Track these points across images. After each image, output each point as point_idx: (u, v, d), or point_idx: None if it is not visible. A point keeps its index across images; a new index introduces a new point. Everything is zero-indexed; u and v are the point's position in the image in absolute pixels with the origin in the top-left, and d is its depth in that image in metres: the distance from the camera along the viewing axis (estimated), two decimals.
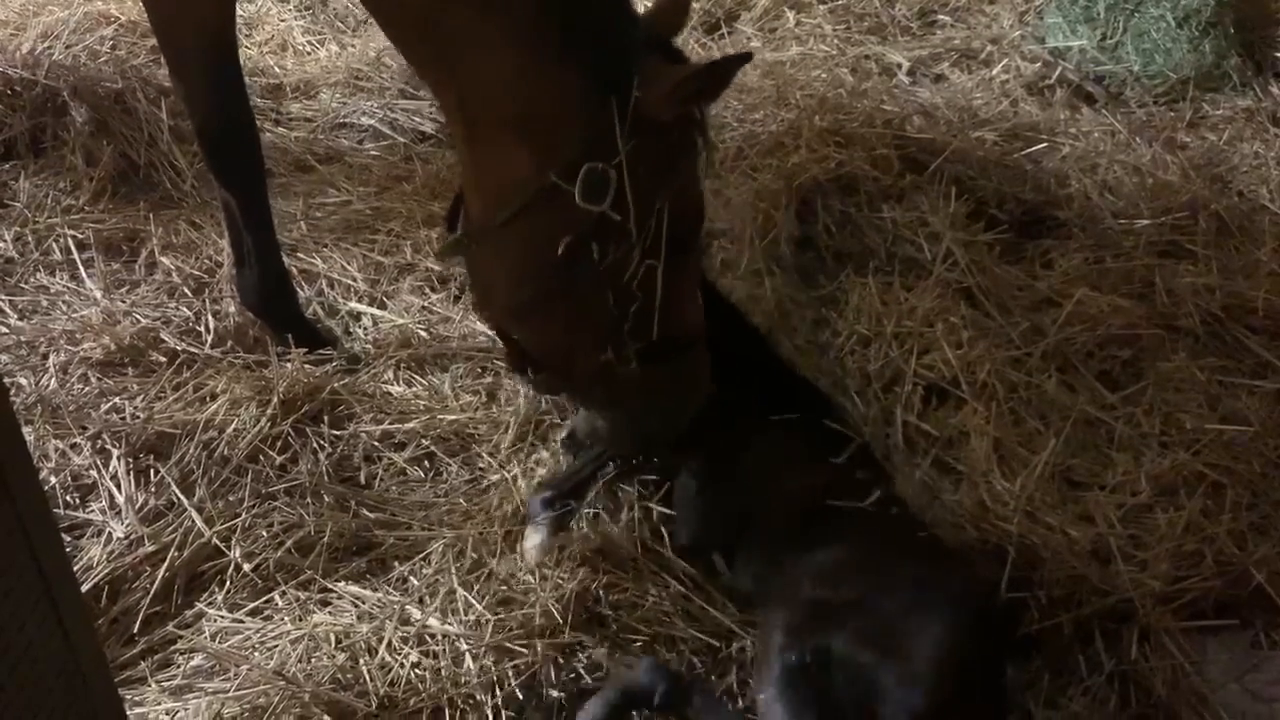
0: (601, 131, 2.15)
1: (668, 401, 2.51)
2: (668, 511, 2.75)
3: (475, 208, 2.36)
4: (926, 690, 2.09)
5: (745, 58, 2.24)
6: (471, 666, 2.38)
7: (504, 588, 2.56)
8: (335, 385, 3.12)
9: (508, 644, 2.42)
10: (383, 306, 3.55)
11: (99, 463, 2.82)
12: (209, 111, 2.98)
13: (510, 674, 2.38)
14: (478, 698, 2.34)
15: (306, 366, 3.15)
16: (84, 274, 3.54)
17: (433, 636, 2.44)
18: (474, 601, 2.51)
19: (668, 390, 2.48)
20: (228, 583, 2.61)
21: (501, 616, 2.47)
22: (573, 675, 2.45)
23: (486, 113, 2.24)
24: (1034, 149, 4.21)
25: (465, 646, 2.41)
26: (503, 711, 2.33)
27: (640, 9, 2.39)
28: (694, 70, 2.21)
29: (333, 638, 2.43)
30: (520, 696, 2.37)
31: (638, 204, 2.19)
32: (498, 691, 2.35)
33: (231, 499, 2.77)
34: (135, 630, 2.52)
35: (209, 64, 2.92)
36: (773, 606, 2.39)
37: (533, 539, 2.71)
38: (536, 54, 2.15)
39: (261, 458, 2.89)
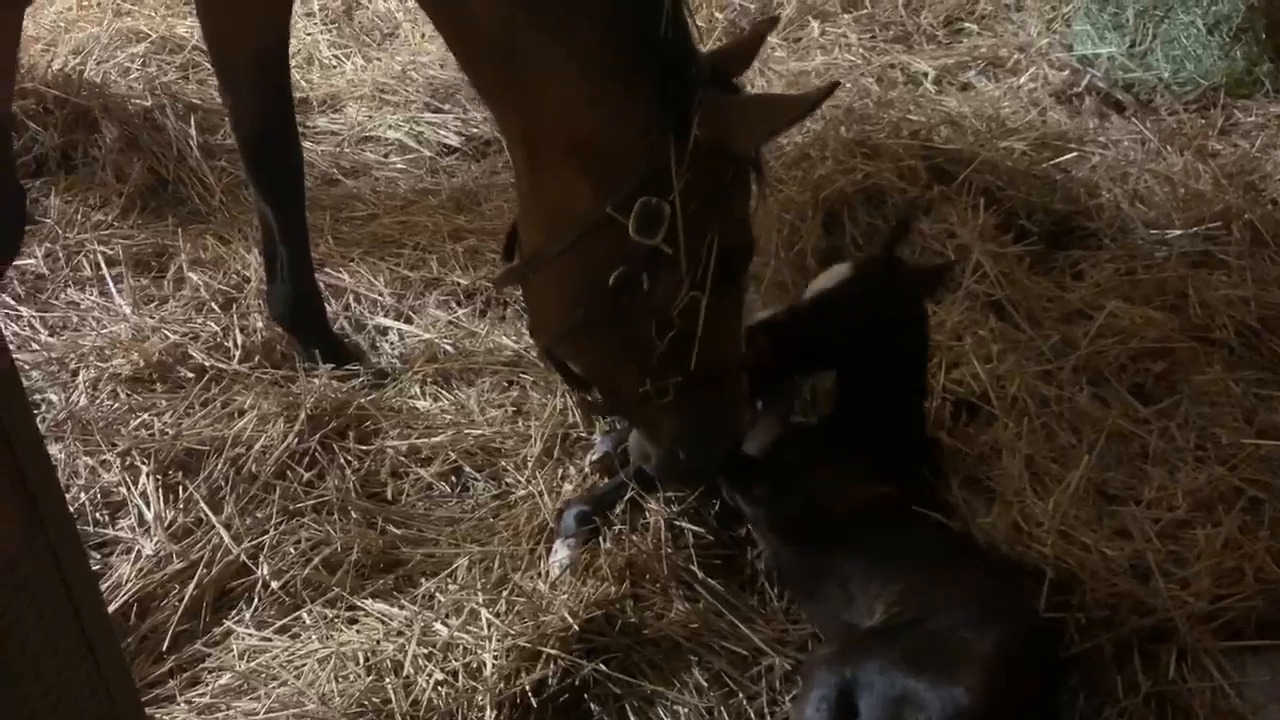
0: (659, 165, 2.17)
1: (703, 433, 2.51)
2: (697, 529, 2.74)
3: (532, 237, 2.38)
4: (972, 702, 2.07)
5: (827, 91, 2.18)
6: (489, 676, 2.37)
7: (525, 599, 2.55)
8: (362, 400, 3.12)
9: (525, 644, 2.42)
10: (409, 321, 3.55)
11: (128, 479, 2.84)
12: (256, 124, 3.00)
13: (526, 682, 2.36)
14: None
15: (333, 382, 3.16)
16: (113, 290, 3.56)
17: (453, 651, 2.43)
18: (495, 620, 2.49)
19: (703, 422, 2.48)
20: (256, 600, 2.62)
21: (522, 628, 2.46)
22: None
23: (550, 142, 2.26)
24: (1063, 158, 4.17)
25: (486, 657, 2.39)
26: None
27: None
28: (763, 104, 2.25)
29: (360, 656, 2.42)
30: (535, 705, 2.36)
31: (689, 238, 2.21)
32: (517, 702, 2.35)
33: (259, 515, 2.78)
34: (164, 648, 2.52)
35: (259, 77, 2.94)
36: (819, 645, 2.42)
37: (561, 553, 2.70)
38: (601, 84, 2.17)
39: (289, 474, 2.90)
